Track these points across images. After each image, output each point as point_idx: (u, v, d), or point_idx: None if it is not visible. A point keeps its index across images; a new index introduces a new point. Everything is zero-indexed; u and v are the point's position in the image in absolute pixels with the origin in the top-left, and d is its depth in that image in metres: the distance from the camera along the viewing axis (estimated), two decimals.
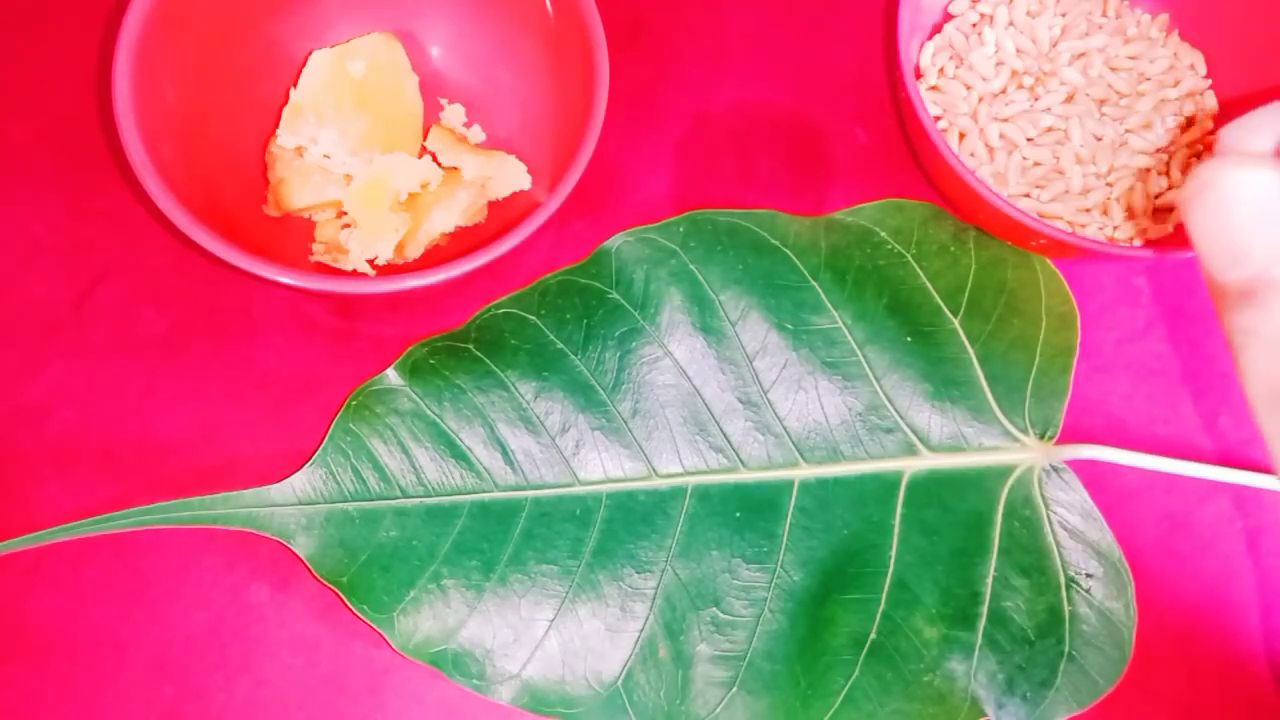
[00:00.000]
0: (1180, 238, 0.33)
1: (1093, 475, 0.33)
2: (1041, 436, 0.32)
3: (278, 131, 0.34)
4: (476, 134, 0.36)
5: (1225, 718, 0.32)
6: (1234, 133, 0.18)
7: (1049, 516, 0.31)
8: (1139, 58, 0.35)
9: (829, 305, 0.32)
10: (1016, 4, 0.35)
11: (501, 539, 0.31)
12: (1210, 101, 0.35)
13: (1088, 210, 0.33)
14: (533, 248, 0.34)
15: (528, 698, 0.30)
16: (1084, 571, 0.31)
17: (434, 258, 0.34)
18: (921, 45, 0.36)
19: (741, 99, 0.37)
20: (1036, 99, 0.34)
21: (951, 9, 0.36)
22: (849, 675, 0.30)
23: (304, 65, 0.34)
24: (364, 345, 0.34)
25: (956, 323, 0.32)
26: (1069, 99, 0.34)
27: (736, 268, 0.33)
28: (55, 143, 0.36)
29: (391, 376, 0.32)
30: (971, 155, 0.34)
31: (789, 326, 0.32)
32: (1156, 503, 0.34)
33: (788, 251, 0.33)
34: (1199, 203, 0.17)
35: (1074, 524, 0.31)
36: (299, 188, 0.33)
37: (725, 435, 0.32)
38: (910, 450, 0.32)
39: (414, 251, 0.34)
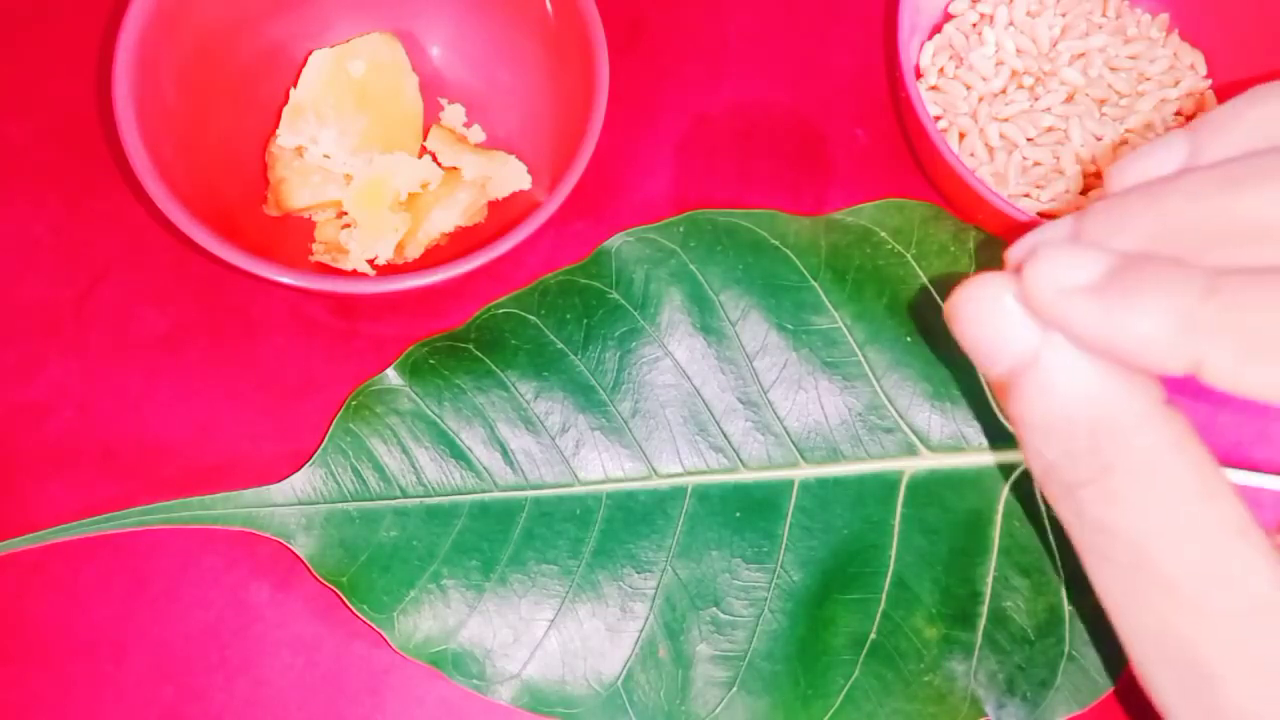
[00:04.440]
0: None
1: None
2: None
3: (278, 131, 0.34)
4: (476, 134, 0.36)
5: None
6: (1011, 252, 0.22)
7: (1049, 516, 0.31)
8: (1139, 58, 0.35)
9: (829, 305, 0.32)
10: (1016, 4, 0.35)
11: (501, 539, 0.31)
12: (1210, 102, 0.35)
13: None
14: (533, 248, 0.34)
15: (528, 698, 0.30)
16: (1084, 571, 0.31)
17: (434, 258, 0.34)
18: (921, 45, 0.36)
19: (741, 99, 0.37)
20: (1036, 99, 0.34)
21: (951, 9, 0.36)
22: (849, 675, 0.30)
23: (304, 65, 0.34)
24: (364, 345, 0.34)
25: None
26: (1069, 99, 0.34)
27: (736, 268, 0.33)
28: (55, 143, 0.36)
29: (391, 376, 0.32)
30: (971, 155, 0.34)
31: (789, 326, 0.32)
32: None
33: (788, 251, 0.33)
34: (957, 318, 0.21)
35: None
36: (299, 188, 0.33)
37: (725, 435, 0.32)
38: (910, 450, 0.32)
39: (414, 251, 0.34)
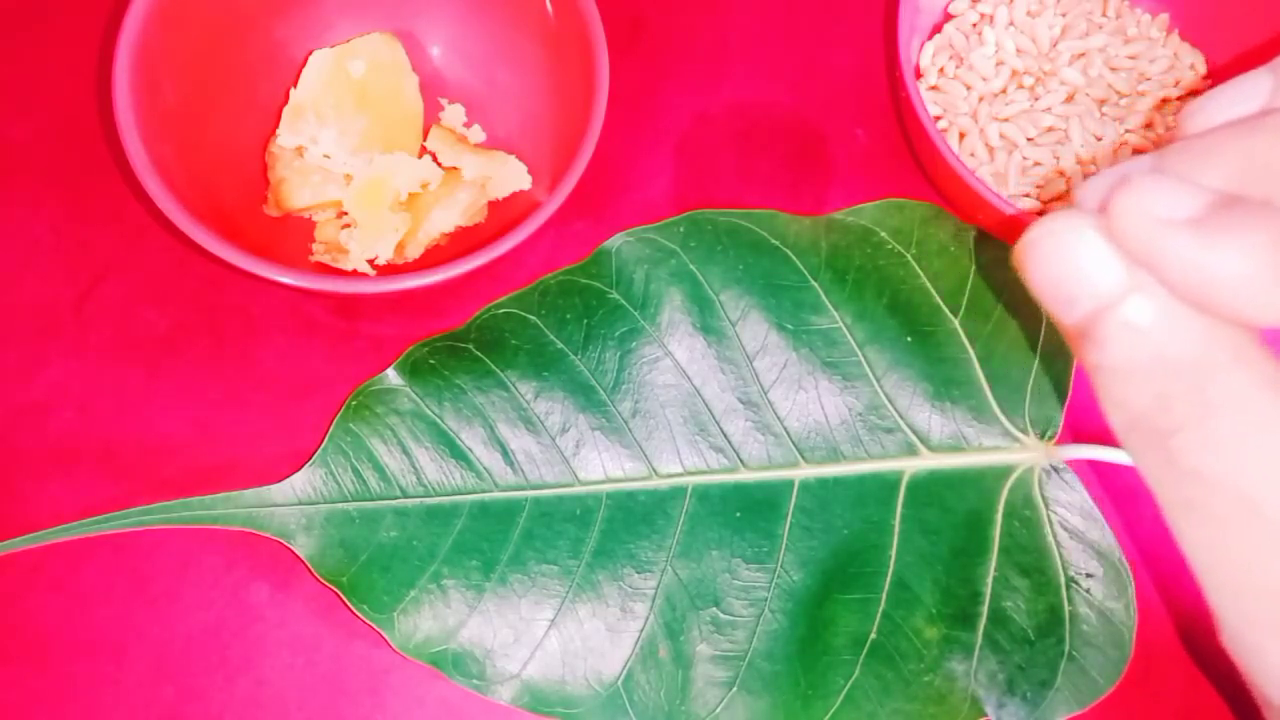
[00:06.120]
0: None
1: (1093, 475, 0.33)
2: (1041, 436, 0.32)
3: (278, 131, 0.34)
4: (476, 134, 0.36)
5: (1225, 718, 0.32)
6: (1082, 191, 0.21)
7: (1049, 516, 0.31)
8: (1139, 58, 0.35)
9: (829, 305, 0.32)
10: (1016, 4, 0.35)
11: (501, 539, 0.31)
12: None
13: None
14: (533, 248, 0.34)
15: (528, 698, 0.30)
16: (1084, 571, 0.31)
17: (434, 258, 0.34)
18: (921, 45, 0.36)
19: (741, 99, 0.37)
20: (1036, 99, 0.34)
21: (951, 9, 0.36)
22: (849, 675, 0.30)
23: (304, 65, 0.34)
24: (364, 345, 0.34)
25: (956, 323, 0.32)
26: (1069, 99, 0.34)
27: (737, 268, 0.33)
28: (55, 143, 0.36)
29: (391, 376, 0.32)
30: (971, 155, 0.34)
31: (789, 326, 0.32)
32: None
33: (788, 251, 0.33)
34: (1032, 257, 0.20)
35: (1074, 524, 0.31)
36: (299, 188, 0.33)
37: (725, 435, 0.32)
38: (910, 450, 0.32)
39: (414, 251, 0.34)
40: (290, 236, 0.34)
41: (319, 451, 0.31)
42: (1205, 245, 0.17)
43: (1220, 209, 0.18)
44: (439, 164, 0.34)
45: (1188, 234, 0.18)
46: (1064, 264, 0.19)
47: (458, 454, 0.31)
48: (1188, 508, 0.19)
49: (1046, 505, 0.31)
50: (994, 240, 0.33)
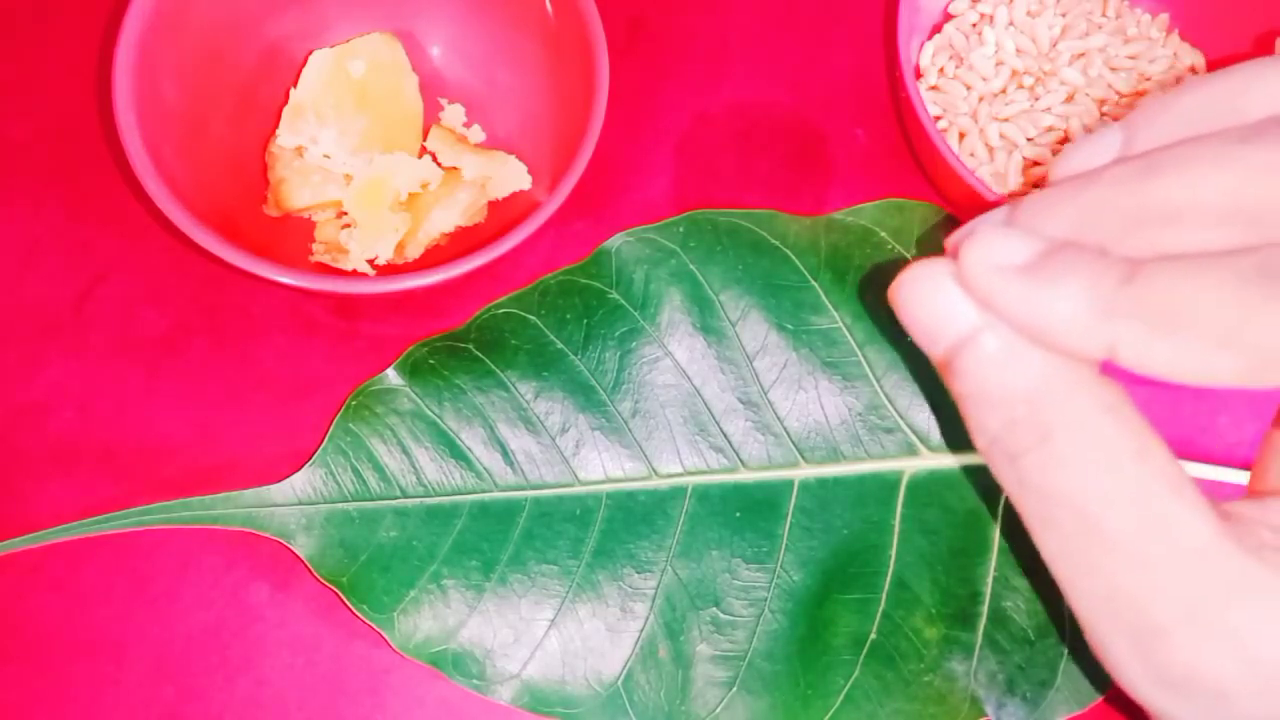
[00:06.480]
0: None
1: None
2: None
3: (278, 131, 0.34)
4: (476, 134, 0.36)
5: None
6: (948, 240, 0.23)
7: None
8: (1139, 58, 0.35)
9: (829, 305, 0.32)
10: (1016, 4, 0.35)
11: (501, 539, 0.31)
12: None
13: None
14: (533, 248, 0.34)
15: (528, 698, 0.30)
16: None
17: (434, 258, 0.34)
18: (921, 45, 0.36)
19: (741, 99, 0.37)
20: (1036, 99, 0.34)
21: (951, 9, 0.36)
22: (849, 675, 0.30)
23: (304, 65, 0.34)
24: (364, 345, 0.34)
25: None
26: (1069, 99, 0.34)
27: (736, 268, 0.33)
28: (55, 143, 0.36)
29: (391, 376, 0.32)
30: (971, 155, 0.34)
31: (789, 326, 0.32)
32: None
33: (788, 251, 0.33)
34: (899, 299, 0.22)
35: None
36: (299, 188, 0.33)
37: (725, 435, 0.32)
38: (910, 450, 0.32)
39: (414, 251, 0.34)
40: (290, 236, 0.34)
41: (319, 451, 0.31)
42: (1033, 288, 0.20)
43: (1048, 256, 0.20)
44: (439, 164, 0.34)
45: (1019, 279, 0.20)
46: (925, 306, 0.21)
47: (458, 454, 0.31)
48: (1040, 522, 0.21)
49: None
50: None
